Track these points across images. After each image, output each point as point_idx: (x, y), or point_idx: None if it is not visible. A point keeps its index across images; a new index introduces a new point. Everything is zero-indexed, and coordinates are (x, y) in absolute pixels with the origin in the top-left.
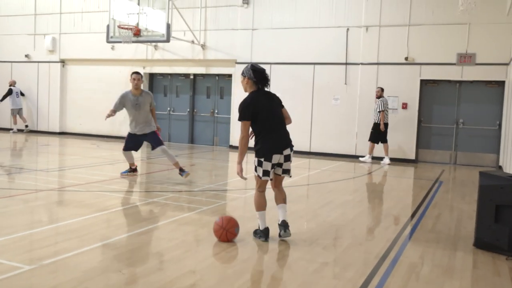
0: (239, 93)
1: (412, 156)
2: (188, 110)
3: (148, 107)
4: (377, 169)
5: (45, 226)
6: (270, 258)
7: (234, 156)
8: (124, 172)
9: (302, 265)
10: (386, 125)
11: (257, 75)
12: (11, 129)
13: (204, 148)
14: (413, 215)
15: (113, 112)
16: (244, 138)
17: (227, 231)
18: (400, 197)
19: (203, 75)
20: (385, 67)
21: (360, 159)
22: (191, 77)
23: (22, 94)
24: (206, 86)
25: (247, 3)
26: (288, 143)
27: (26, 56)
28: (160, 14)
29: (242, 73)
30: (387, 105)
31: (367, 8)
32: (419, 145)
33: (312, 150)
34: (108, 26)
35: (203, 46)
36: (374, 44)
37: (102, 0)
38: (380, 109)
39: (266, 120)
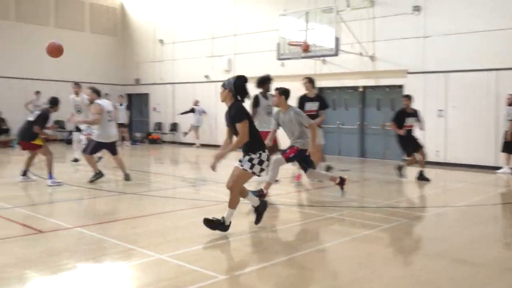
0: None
1: None
2: (358, 123)
3: None
4: None
5: (231, 238)
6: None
7: (408, 171)
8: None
9: None
10: None
11: (237, 87)
12: (193, 144)
13: (376, 162)
14: None
15: None
16: (245, 139)
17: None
18: None
19: (373, 87)
20: None
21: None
22: (360, 89)
23: (204, 112)
24: (376, 98)
25: (418, 10)
26: None
27: (206, 76)
28: (328, 28)
29: (223, 85)
30: None
31: None
32: None
33: (499, 165)
34: (278, 44)
35: (372, 58)
36: None
37: (272, 20)
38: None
39: (251, 122)
